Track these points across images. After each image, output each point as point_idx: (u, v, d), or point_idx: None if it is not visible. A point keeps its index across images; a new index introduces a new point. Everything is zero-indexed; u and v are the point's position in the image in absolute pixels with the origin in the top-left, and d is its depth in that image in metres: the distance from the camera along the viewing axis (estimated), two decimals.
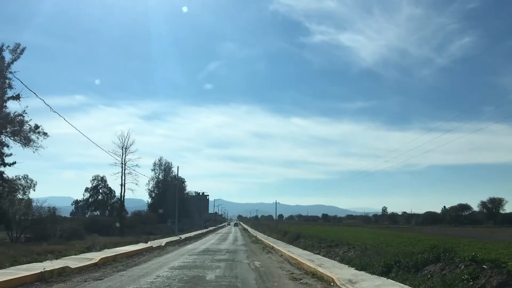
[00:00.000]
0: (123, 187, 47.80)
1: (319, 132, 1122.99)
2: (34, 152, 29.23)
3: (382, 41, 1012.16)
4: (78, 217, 59.75)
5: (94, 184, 70.93)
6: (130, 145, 47.48)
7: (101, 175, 70.58)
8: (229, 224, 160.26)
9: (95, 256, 18.10)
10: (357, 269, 14.12)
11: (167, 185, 71.49)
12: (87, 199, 71.01)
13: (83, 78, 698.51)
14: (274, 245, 29.72)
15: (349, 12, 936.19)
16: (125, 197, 50.44)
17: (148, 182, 77.41)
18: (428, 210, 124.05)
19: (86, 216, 64.73)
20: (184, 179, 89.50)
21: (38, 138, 28.92)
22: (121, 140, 47.06)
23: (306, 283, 12.35)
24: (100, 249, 22.09)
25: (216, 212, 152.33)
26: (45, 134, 28.98)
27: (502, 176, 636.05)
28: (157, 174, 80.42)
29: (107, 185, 69.86)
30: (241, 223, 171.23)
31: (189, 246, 31.41)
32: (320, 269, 14.35)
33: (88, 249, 21.25)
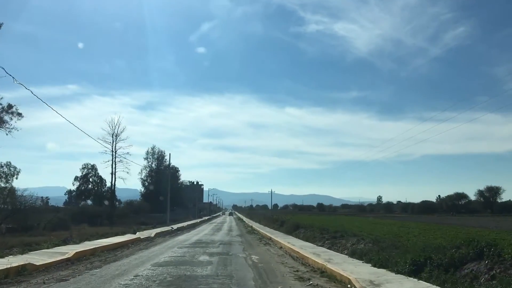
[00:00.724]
0: (113, 176, 45.29)
1: (314, 122, 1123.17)
2: (7, 134, 26.53)
3: (377, 31, 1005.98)
4: (69, 207, 57.55)
5: (84, 173, 68.36)
6: (121, 132, 44.51)
7: (92, 164, 68.06)
8: (224, 214, 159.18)
9: (69, 250, 15.91)
10: (374, 266, 11.89)
11: (160, 174, 69.08)
12: (77, 188, 68.57)
13: (76, 67, 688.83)
14: (272, 236, 27.67)
15: (344, 1, 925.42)
16: (118, 187, 48.04)
17: (141, 171, 75.12)
18: (422, 199, 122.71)
19: (80, 205, 62.40)
20: (178, 168, 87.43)
21: (11, 119, 26.29)
22: (111, 127, 44.21)
23: (317, 284, 10.09)
24: (80, 241, 19.85)
25: (210, 201, 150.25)
26: (19, 114, 26.33)
27: (496, 166, 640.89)
28: (150, 163, 78.05)
29: (98, 173, 67.29)
30: (236, 212, 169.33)
31: (180, 237, 29.21)
32: (329, 266, 12.19)
33: (65, 242, 18.94)
